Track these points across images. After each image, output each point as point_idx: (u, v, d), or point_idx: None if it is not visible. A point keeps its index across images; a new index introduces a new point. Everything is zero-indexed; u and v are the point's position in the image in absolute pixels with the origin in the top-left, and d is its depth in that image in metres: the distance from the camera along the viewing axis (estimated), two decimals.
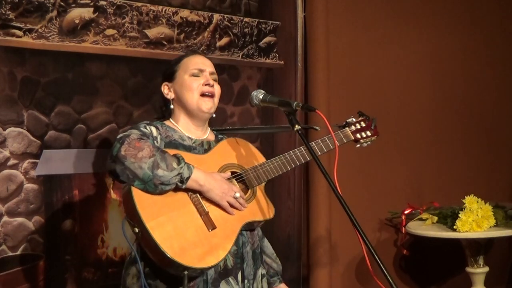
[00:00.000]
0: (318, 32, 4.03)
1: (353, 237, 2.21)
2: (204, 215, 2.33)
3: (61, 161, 2.99)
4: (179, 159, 2.28)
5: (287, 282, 2.70)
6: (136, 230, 2.23)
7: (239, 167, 2.48)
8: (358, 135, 2.67)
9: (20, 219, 2.86)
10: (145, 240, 2.23)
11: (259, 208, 2.46)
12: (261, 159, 2.55)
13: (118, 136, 2.30)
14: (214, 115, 2.55)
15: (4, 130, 2.83)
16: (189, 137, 2.48)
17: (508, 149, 4.69)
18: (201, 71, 2.50)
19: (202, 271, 2.30)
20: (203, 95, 2.47)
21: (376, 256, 2.03)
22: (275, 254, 2.70)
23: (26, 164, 2.88)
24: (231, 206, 2.38)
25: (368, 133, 2.69)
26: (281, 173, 2.48)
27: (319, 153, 2.52)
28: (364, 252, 2.11)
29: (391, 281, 1.99)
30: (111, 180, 3.13)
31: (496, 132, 4.69)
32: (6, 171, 2.83)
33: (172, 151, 2.33)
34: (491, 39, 4.68)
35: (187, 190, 2.32)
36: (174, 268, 2.24)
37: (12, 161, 2.84)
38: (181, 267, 2.22)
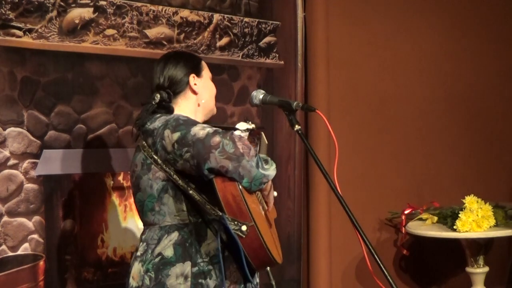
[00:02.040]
0: (318, 32, 4.03)
1: (353, 237, 2.21)
2: (266, 212, 2.36)
3: (61, 161, 2.99)
4: (266, 160, 2.27)
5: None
6: (245, 227, 2.15)
7: None
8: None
9: (20, 219, 2.86)
10: (250, 238, 2.16)
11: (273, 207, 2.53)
12: None
13: (211, 131, 2.18)
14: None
15: (4, 130, 2.83)
16: None
17: (508, 149, 4.69)
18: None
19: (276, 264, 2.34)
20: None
21: (376, 256, 2.03)
22: None
23: (26, 164, 2.88)
24: None
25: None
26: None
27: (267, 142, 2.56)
28: (364, 252, 2.11)
29: (391, 281, 1.99)
30: (111, 180, 3.13)
31: (496, 132, 4.69)
32: (6, 171, 2.83)
33: None
34: (491, 39, 4.68)
35: None
36: (266, 265, 2.29)
37: (12, 161, 2.84)
38: (272, 264, 2.25)
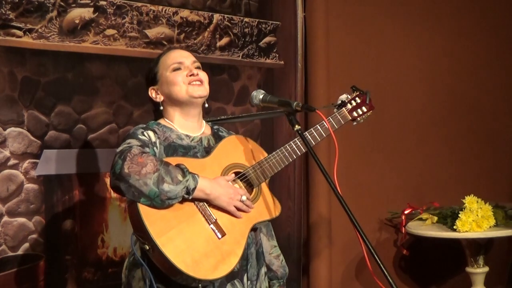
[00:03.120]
0: (318, 32, 4.03)
1: (353, 237, 2.21)
2: (213, 223, 2.29)
3: (61, 161, 2.99)
4: (183, 171, 2.22)
5: (287, 283, 2.68)
6: (147, 247, 2.19)
7: (241, 166, 2.44)
8: (355, 113, 2.62)
9: (20, 219, 2.86)
10: (156, 256, 2.19)
11: (265, 207, 2.43)
12: (262, 154, 2.51)
13: (119, 150, 2.23)
14: (206, 105, 2.49)
15: (4, 130, 2.83)
16: (186, 135, 2.43)
17: (508, 149, 4.68)
18: (181, 63, 2.44)
19: (215, 282, 2.29)
20: (190, 83, 2.42)
21: (376, 256, 2.03)
22: (276, 253, 2.63)
23: (26, 164, 2.88)
24: (239, 210, 2.34)
25: (364, 108, 2.63)
26: (283, 166, 2.44)
27: (313, 143, 2.47)
28: (364, 252, 2.11)
29: (391, 281, 1.99)
30: None
31: (496, 132, 4.69)
32: (6, 171, 2.83)
33: (173, 160, 2.29)
34: (491, 39, 4.67)
35: (193, 200, 2.27)
36: (188, 282, 2.22)
37: (12, 161, 2.84)
38: (196, 281, 2.20)
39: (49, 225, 2.94)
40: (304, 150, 2.46)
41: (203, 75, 2.46)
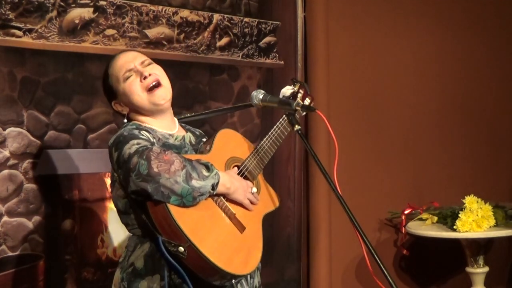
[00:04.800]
0: (318, 32, 4.03)
1: (353, 237, 2.21)
2: (233, 218, 2.25)
3: (61, 161, 2.99)
4: (207, 166, 2.16)
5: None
6: (182, 249, 2.07)
7: (238, 159, 2.41)
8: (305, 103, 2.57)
9: (20, 219, 2.86)
10: (192, 258, 2.10)
11: (267, 198, 2.42)
12: (249, 145, 2.47)
13: (133, 151, 2.09)
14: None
15: (4, 130, 2.83)
16: (170, 134, 2.35)
17: (508, 149, 4.68)
18: (130, 70, 2.29)
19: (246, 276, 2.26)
20: (149, 90, 2.27)
21: (376, 256, 2.03)
22: None
23: (26, 164, 2.88)
24: (251, 202, 2.31)
25: (308, 99, 2.58)
26: (274, 151, 2.41)
27: (283, 137, 2.43)
28: (364, 252, 2.11)
29: (391, 281, 1.99)
30: (111, 180, 3.12)
31: (496, 132, 4.69)
32: (6, 171, 2.83)
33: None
34: (491, 40, 4.67)
35: (212, 195, 2.20)
36: (223, 280, 2.16)
37: (12, 161, 2.84)
38: (232, 277, 2.17)
39: (49, 225, 2.94)
40: (289, 129, 2.42)
41: (157, 71, 2.31)
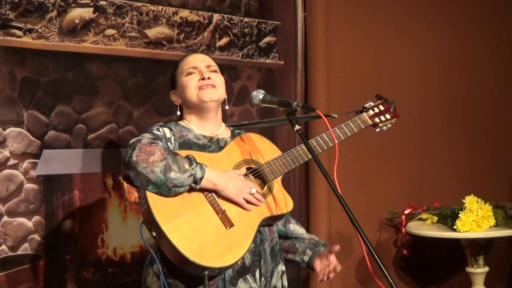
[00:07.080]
0: (318, 32, 4.03)
1: (353, 237, 2.22)
2: (221, 213, 2.33)
3: (61, 161, 2.99)
4: (190, 160, 2.28)
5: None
6: (154, 234, 2.25)
7: (254, 162, 2.48)
8: (377, 119, 2.68)
9: (20, 219, 2.86)
10: (163, 243, 2.25)
11: (277, 202, 2.46)
12: (276, 152, 2.54)
13: (131, 142, 2.30)
14: (227, 107, 2.57)
15: (4, 130, 2.83)
16: (203, 136, 2.49)
17: (508, 149, 4.69)
18: (195, 68, 2.52)
19: (221, 270, 2.30)
20: (201, 88, 2.48)
21: (376, 256, 2.03)
22: (305, 234, 2.73)
23: (26, 164, 2.88)
24: (248, 202, 2.37)
25: (387, 116, 2.71)
26: (296, 166, 2.49)
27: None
28: (364, 252, 2.11)
29: (391, 281, 1.99)
30: (111, 180, 3.13)
31: (496, 132, 4.69)
32: (6, 171, 2.83)
33: (184, 152, 2.33)
34: (491, 39, 4.67)
35: (202, 190, 2.33)
36: (193, 269, 2.24)
37: (12, 161, 2.84)
38: (200, 268, 2.22)
39: (49, 225, 2.94)
40: (319, 151, 2.50)
41: (218, 79, 2.53)
